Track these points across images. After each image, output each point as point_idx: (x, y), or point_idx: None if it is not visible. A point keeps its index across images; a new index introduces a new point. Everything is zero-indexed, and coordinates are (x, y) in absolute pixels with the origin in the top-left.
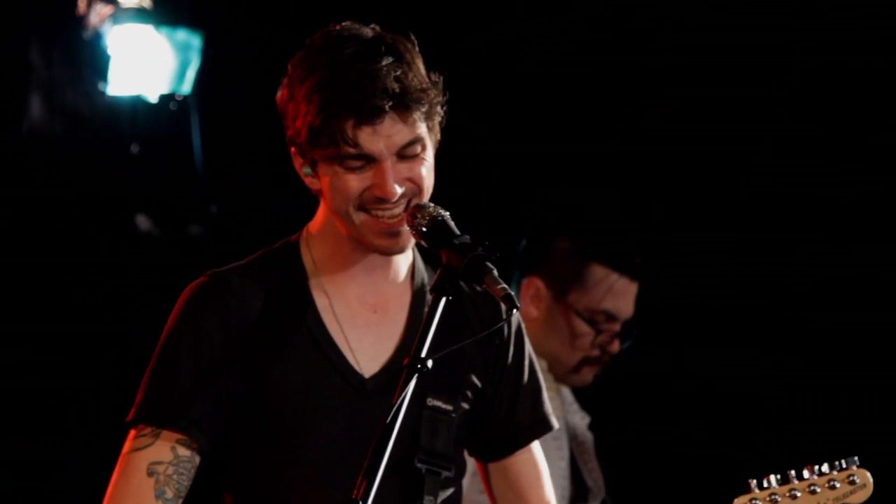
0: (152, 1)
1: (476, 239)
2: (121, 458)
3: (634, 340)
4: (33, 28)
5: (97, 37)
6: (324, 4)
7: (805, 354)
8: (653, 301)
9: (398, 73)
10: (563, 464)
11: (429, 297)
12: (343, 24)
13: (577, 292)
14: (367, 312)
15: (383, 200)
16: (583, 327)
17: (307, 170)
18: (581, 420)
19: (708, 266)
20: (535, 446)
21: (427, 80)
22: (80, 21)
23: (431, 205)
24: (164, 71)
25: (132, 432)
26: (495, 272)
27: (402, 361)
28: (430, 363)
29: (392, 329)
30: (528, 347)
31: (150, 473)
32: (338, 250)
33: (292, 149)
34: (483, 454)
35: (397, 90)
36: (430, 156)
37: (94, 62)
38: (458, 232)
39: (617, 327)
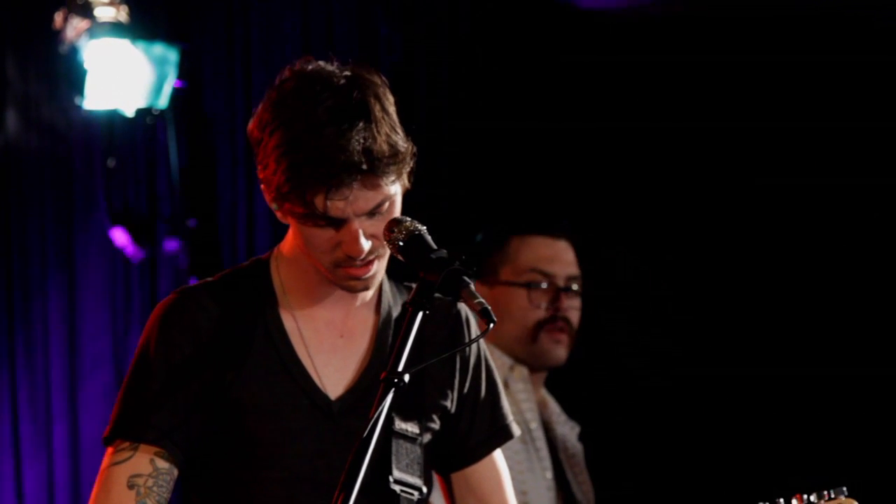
0: (129, 15)
1: (453, 253)
2: (100, 474)
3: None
4: (9, 42)
5: (73, 51)
6: (300, 20)
7: (794, 360)
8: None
9: (367, 142)
10: (549, 474)
11: (395, 318)
12: (313, 65)
13: (505, 267)
14: (334, 337)
15: (352, 258)
16: (519, 291)
17: (276, 206)
18: (570, 431)
19: (695, 271)
20: (496, 452)
21: (397, 136)
22: (56, 35)
23: (408, 219)
24: (141, 85)
25: (110, 449)
26: (472, 286)
27: (367, 383)
28: (406, 377)
29: (357, 352)
30: (488, 357)
31: (131, 486)
32: (306, 276)
33: (262, 185)
34: (444, 467)
35: (365, 165)
36: (397, 206)
37: (70, 76)
38: (434, 246)
39: (560, 283)
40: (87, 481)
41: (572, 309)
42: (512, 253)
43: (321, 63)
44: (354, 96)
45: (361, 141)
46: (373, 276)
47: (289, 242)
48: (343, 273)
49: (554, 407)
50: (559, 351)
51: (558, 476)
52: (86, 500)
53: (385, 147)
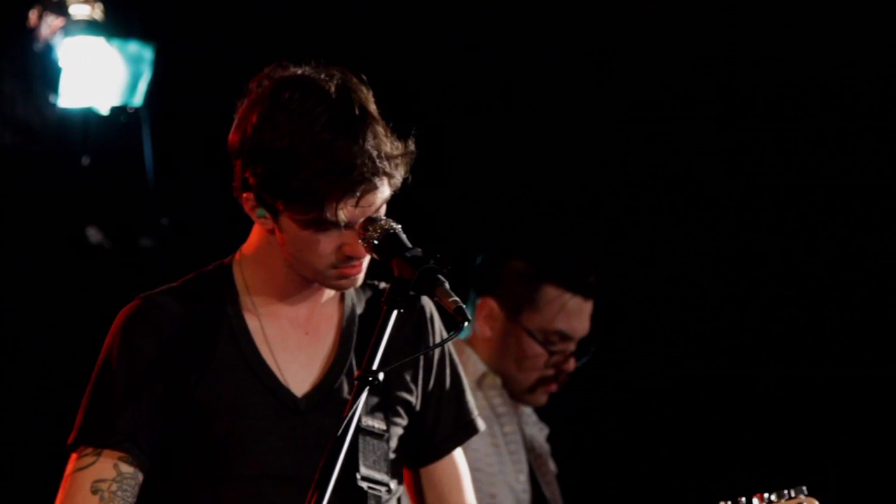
0: (103, 13)
1: (428, 252)
2: (64, 480)
3: (591, 357)
4: None
5: (48, 49)
6: (275, 18)
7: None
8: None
9: (380, 147)
10: (523, 477)
11: (359, 314)
12: (300, 71)
13: (529, 312)
14: (299, 334)
15: (353, 258)
16: (535, 348)
17: (262, 212)
18: (539, 432)
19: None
20: (457, 450)
21: (396, 139)
22: (30, 33)
23: (383, 218)
24: (116, 83)
25: (74, 455)
26: (447, 285)
27: (333, 379)
28: (381, 376)
29: (322, 349)
30: (452, 352)
31: (95, 491)
32: (272, 275)
33: (245, 194)
34: (411, 462)
35: (387, 168)
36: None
37: (45, 74)
38: (409, 245)
39: (572, 346)
40: None
41: (573, 363)
42: (543, 302)
43: (305, 68)
44: (354, 103)
45: (377, 146)
46: (362, 274)
47: (253, 244)
48: (337, 273)
49: (524, 407)
50: (545, 399)
51: (530, 477)
52: None
53: (393, 148)
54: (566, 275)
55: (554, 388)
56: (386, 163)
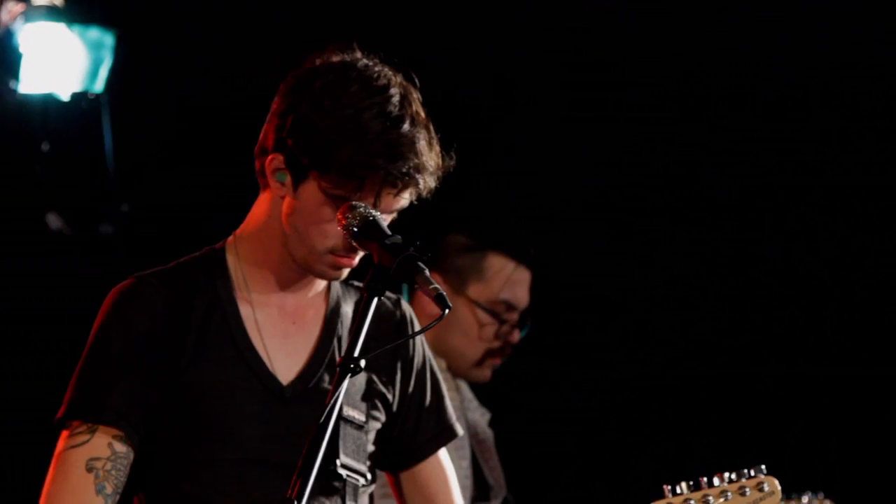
0: None
1: (407, 239)
2: (56, 457)
3: (529, 330)
4: None
5: (8, 34)
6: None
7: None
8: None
9: (432, 153)
10: (465, 463)
11: (344, 310)
12: (366, 59)
13: (476, 284)
14: (287, 323)
15: (354, 249)
16: (486, 318)
17: (283, 177)
18: (481, 417)
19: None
20: (441, 451)
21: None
22: None
23: (362, 205)
24: (77, 69)
25: (65, 431)
26: (427, 272)
27: (315, 370)
28: (363, 363)
29: (307, 339)
30: (430, 355)
31: (90, 469)
32: (267, 258)
33: (272, 154)
34: (389, 465)
35: (430, 171)
36: None
37: (5, 60)
38: (388, 232)
39: (515, 317)
40: None
41: (517, 334)
42: (489, 271)
43: (372, 57)
44: (413, 103)
45: (434, 157)
46: (348, 269)
47: (252, 222)
48: (331, 259)
49: (466, 393)
50: (490, 374)
51: (472, 463)
52: None
53: (438, 156)
54: (510, 244)
55: (498, 361)
56: (432, 163)
